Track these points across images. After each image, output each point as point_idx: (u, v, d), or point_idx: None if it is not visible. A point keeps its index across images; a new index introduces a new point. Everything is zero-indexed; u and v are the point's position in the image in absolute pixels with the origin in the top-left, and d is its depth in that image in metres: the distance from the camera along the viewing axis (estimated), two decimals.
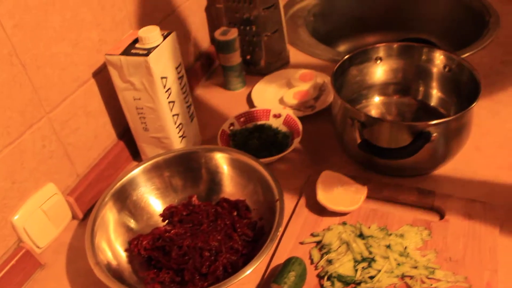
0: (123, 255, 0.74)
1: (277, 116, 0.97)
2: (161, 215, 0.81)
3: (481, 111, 0.96)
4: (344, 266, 0.71)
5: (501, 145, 0.90)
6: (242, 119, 0.97)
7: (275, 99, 1.07)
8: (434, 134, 0.77)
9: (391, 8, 1.57)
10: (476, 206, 0.78)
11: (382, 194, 0.83)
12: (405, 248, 0.72)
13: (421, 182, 0.85)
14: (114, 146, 0.92)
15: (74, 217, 0.85)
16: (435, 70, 0.94)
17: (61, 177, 0.81)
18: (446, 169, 0.87)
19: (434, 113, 0.96)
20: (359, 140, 0.79)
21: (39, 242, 0.78)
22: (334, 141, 0.94)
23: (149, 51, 0.78)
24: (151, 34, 0.79)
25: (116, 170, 0.91)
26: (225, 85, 1.13)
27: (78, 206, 0.83)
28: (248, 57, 1.15)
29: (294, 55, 1.23)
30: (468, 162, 0.87)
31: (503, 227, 0.75)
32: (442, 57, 0.92)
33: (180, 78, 0.87)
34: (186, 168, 0.83)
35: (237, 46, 1.06)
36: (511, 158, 0.87)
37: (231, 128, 0.96)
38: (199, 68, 1.16)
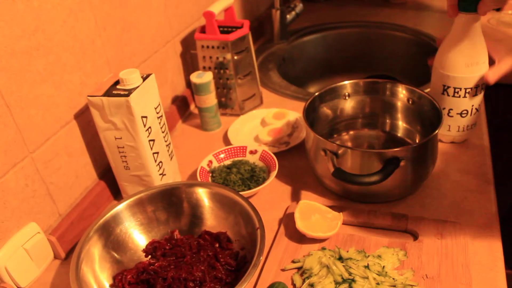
0: None
1: (253, 152, 1.00)
2: (144, 250, 0.82)
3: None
4: None
5: (467, 170, 0.95)
6: (220, 156, 1.00)
7: (251, 137, 1.11)
8: (402, 160, 0.82)
9: (356, 51, 1.66)
10: (447, 226, 0.82)
11: (358, 220, 0.86)
12: (383, 267, 0.75)
13: (395, 207, 0.89)
14: (95, 186, 0.93)
15: (56, 256, 0.85)
16: (399, 103, 1.00)
17: (43, 216, 0.82)
18: (418, 193, 0.91)
19: (401, 143, 1.01)
20: (332, 169, 0.83)
21: (20, 282, 0.78)
22: (309, 174, 0.98)
23: (130, 92, 0.82)
24: (132, 76, 0.83)
25: (97, 210, 0.92)
26: (202, 126, 1.17)
27: (60, 245, 0.83)
28: (223, 99, 1.19)
29: (267, 96, 1.28)
30: (438, 186, 0.92)
31: (473, 244, 0.79)
32: (404, 91, 0.98)
33: (159, 117, 0.90)
34: (168, 203, 0.85)
35: (212, 88, 1.10)
36: (476, 181, 0.92)
37: (210, 165, 0.99)
38: (176, 111, 1.20)
